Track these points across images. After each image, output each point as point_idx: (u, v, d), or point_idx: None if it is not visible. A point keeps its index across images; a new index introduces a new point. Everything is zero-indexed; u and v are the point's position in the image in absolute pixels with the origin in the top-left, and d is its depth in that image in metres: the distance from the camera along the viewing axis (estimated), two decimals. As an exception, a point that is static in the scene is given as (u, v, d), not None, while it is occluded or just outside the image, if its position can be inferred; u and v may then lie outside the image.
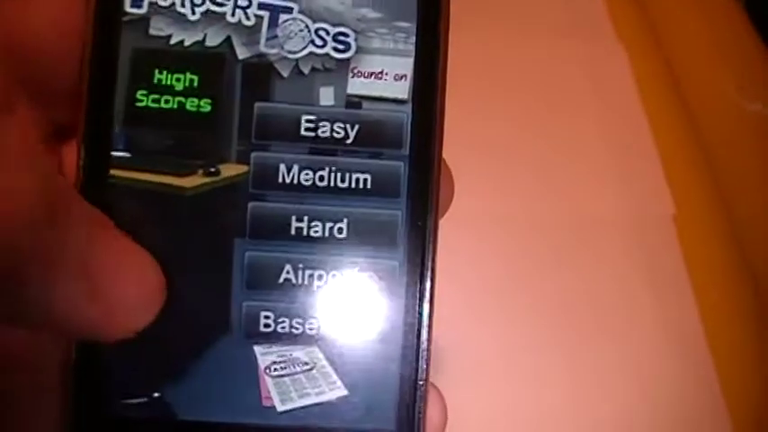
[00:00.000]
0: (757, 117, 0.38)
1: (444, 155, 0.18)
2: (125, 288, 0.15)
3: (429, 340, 0.18)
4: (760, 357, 0.35)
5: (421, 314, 0.18)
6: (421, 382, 0.18)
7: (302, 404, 0.18)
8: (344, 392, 0.18)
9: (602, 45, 0.42)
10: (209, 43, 0.17)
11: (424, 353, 0.18)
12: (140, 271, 0.16)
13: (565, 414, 0.33)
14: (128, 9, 0.17)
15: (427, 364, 0.18)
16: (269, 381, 0.17)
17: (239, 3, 0.17)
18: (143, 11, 0.17)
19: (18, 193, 0.13)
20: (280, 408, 0.17)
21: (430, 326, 0.18)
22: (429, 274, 0.18)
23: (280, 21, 0.17)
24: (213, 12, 0.17)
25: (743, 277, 0.36)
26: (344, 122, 0.17)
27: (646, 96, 0.40)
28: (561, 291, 0.35)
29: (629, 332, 0.35)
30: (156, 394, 0.17)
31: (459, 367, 0.33)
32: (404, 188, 0.18)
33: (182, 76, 0.17)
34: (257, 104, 0.17)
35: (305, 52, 0.17)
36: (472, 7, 0.41)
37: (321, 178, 0.17)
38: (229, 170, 0.17)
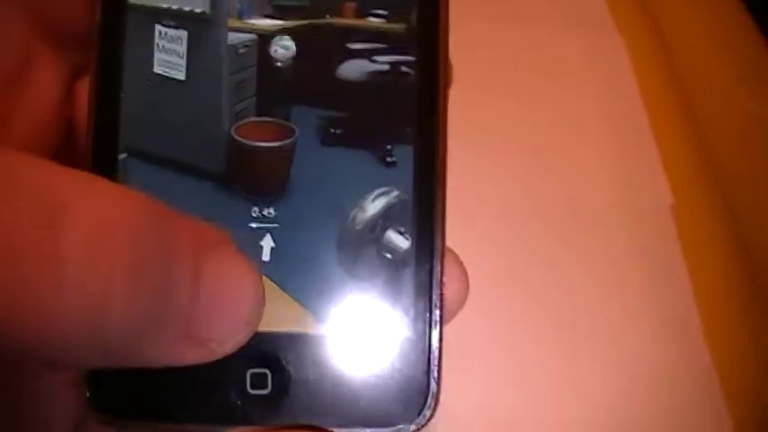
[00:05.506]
0: (757, 112, 0.37)
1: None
2: (220, 327, 0.15)
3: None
4: (757, 346, 0.34)
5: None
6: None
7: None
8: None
9: (603, 36, 0.42)
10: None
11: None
12: (237, 304, 0.15)
13: (557, 405, 0.33)
14: None
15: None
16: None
17: None
18: None
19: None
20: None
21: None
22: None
23: None
24: None
25: (741, 268, 0.36)
26: None
27: (645, 88, 0.40)
28: (556, 279, 0.35)
29: (624, 321, 0.34)
30: None
31: (455, 359, 0.32)
32: None
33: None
34: None
35: None
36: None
37: None
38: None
